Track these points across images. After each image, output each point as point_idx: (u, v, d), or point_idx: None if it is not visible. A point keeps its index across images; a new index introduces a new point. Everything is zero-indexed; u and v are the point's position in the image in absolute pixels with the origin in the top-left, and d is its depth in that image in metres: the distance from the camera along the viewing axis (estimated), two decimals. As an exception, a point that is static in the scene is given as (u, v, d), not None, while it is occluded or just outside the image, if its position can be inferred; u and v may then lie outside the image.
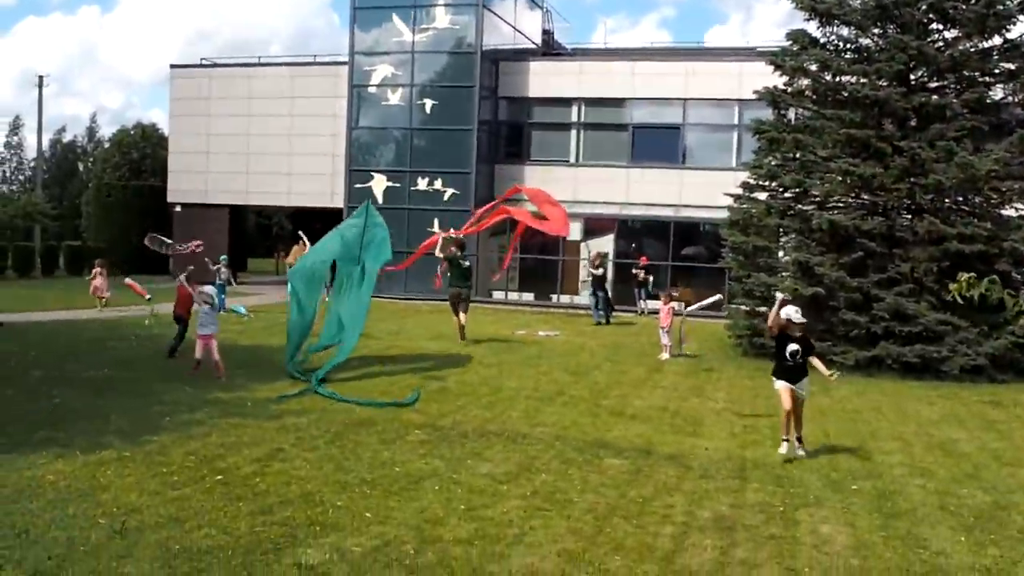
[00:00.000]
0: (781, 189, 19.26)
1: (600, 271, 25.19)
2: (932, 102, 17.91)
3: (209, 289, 14.54)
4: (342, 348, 15.05)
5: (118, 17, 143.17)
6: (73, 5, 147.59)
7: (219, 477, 8.51)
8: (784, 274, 18.75)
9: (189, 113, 37.01)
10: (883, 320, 16.95)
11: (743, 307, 19.59)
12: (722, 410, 12.94)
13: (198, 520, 7.29)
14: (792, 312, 10.46)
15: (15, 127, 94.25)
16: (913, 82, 18.49)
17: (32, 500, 7.69)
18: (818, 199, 18.87)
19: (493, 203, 23.52)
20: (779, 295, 10.92)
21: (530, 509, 7.89)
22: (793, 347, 10.34)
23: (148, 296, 18.35)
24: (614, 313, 25.63)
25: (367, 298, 15.65)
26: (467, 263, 20.92)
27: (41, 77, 49.66)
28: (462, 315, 19.90)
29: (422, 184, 30.84)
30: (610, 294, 26.35)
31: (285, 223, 56.40)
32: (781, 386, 10.35)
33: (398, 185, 31.08)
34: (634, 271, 28.33)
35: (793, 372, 10.39)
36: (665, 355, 18.17)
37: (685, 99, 30.73)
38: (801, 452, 10.20)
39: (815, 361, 10.55)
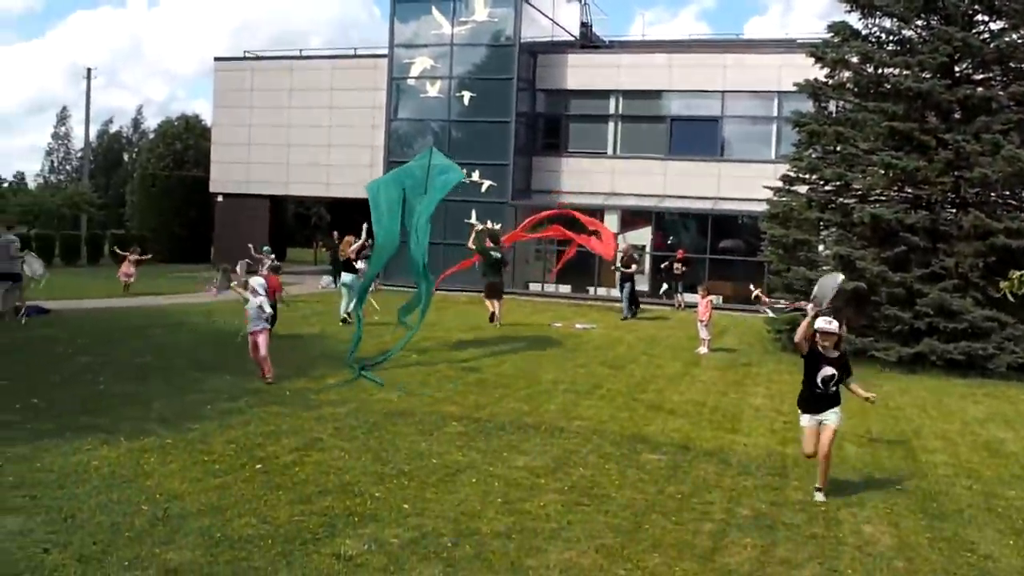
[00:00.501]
0: (822, 182, 19.07)
1: (632, 268, 24.88)
2: (977, 94, 17.64)
3: (257, 281, 13.79)
4: (399, 341, 15.78)
5: (164, 10, 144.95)
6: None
7: (259, 466, 8.58)
8: (825, 268, 18.56)
9: (232, 105, 37.42)
10: (927, 316, 16.74)
11: (783, 301, 19.46)
12: (761, 406, 12.86)
13: (239, 508, 7.36)
14: (823, 323, 8.59)
15: (63, 118, 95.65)
16: (957, 74, 18.23)
17: (78, 485, 7.79)
18: (860, 192, 18.66)
19: (541, 216, 23.82)
20: (810, 307, 9.25)
21: (568, 503, 7.89)
22: (828, 372, 8.48)
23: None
24: (640, 308, 25.33)
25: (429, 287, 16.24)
26: (498, 255, 21.54)
27: (89, 70, 50.46)
28: (497, 303, 21.04)
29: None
30: (636, 288, 25.64)
31: (324, 214, 56.78)
32: (807, 423, 8.62)
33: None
34: (663, 265, 28.13)
35: (822, 401, 8.57)
36: (703, 349, 18.08)
37: (724, 91, 30.55)
38: (820, 497, 8.36)
39: (853, 386, 8.74)
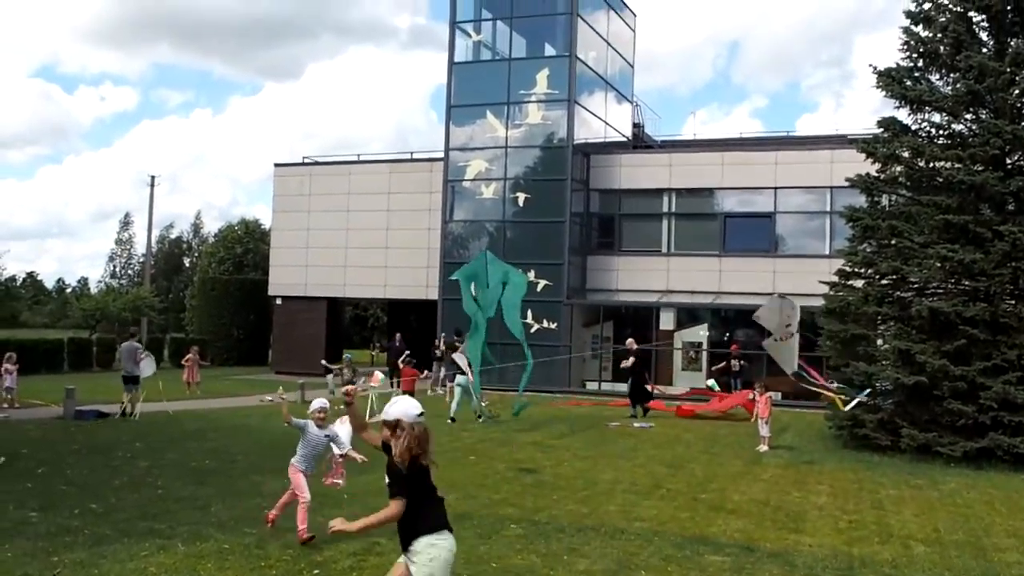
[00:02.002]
0: (878, 276, 18.93)
1: (631, 361, 24.31)
2: (1031, 186, 17.53)
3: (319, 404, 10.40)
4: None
5: (228, 119, 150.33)
6: (187, 108, 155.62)
7: (316, 571, 8.56)
8: (884, 362, 18.32)
9: (291, 209, 38.23)
10: (991, 410, 16.38)
11: (843, 396, 19.19)
12: (825, 504, 12.58)
13: (296, 615, 7.32)
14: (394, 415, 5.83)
15: (126, 224, 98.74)
16: (1009, 166, 18.11)
17: (136, 592, 7.82)
18: (917, 285, 18.49)
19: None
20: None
21: (628, 607, 7.74)
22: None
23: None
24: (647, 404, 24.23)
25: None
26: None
27: (153, 177, 52.08)
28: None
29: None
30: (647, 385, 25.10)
31: (381, 315, 57.34)
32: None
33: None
34: (714, 368, 27.94)
35: (401, 527, 5.81)
36: (764, 447, 17.81)
37: (776, 187, 30.66)
38: None
39: (383, 514, 5.66)
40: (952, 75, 18.76)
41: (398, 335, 31.88)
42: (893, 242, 18.65)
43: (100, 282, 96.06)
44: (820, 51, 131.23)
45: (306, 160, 40.47)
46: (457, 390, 21.89)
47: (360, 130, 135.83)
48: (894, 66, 19.09)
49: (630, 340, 25.88)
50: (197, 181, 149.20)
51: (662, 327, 30.77)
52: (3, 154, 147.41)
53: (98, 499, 11.46)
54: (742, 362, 27.55)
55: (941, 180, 18.41)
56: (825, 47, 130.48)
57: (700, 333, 30.81)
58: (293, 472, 10.06)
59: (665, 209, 32.43)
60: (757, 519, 11.53)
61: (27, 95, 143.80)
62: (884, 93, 18.97)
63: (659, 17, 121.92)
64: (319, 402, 10.33)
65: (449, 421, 20.66)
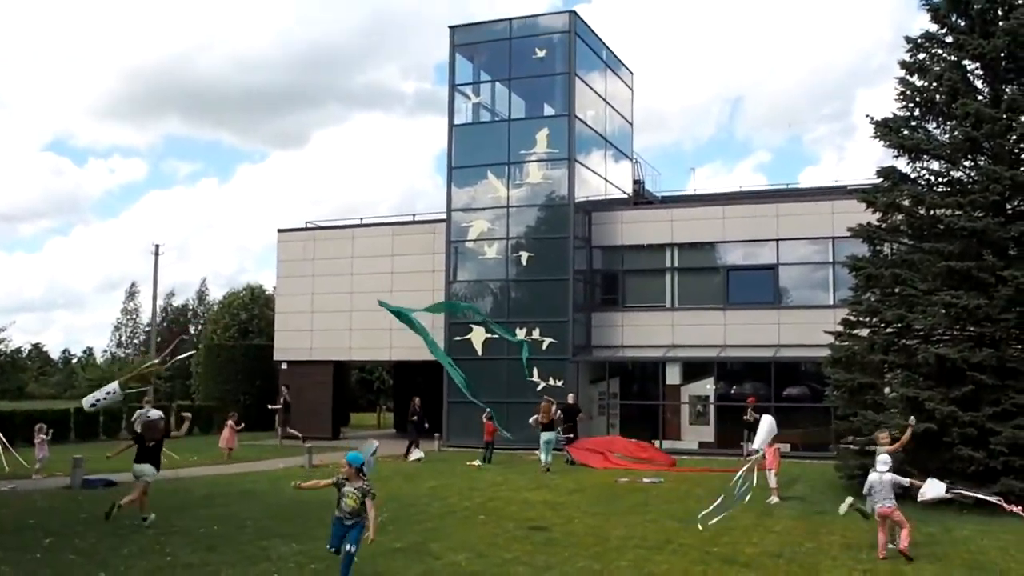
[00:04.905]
0: (883, 324, 19.00)
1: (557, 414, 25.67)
2: (1032, 230, 17.63)
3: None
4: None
5: (235, 187, 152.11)
6: (195, 178, 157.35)
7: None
8: (892, 411, 18.28)
9: (295, 274, 38.31)
10: (1002, 455, 16.32)
11: (852, 446, 19.12)
12: (839, 555, 12.49)
13: (309, 678, 7.27)
14: None
15: (132, 293, 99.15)
16: (1010, 211, 18.27)
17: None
18: (922, 333, 18.51)
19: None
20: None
21: (643, 662, 7.68)
22: None
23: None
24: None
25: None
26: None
27: (157, 246, 52.39)
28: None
29: (520, 334, 31.07)
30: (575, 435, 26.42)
31: (386, 377, 57.23)
32: None
33: (496, 336, 31.24)
34: (744, 417, 27.84)
35: None
36: (774, 499, 17.71)
37: (778, 239, 30.78)
38: None
39: None
40: (949, 123, 19.00)
41: (416, 400, 30.72)
42: (897, 290, 18.71)
43: (106, 351, 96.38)
44: (822, 105, 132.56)
45: (309, 225, 40.67)
46: (544, 445, 24.02)
47: (367, 195, 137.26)
48: (891, 116, 19.31)
49: (570, 395, 27.61)
50: (204, 249, 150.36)
51: (668, 382, 30.75)
52: (14, 227, 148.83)
53: (107, 568, 11.40)
54: (756, 415, 27.37)
55: (942, 227, 18.53)
56: (827, 101, 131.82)
57: (707, 387, 30.73)
58: None
59: (668, 264, 32.51)
60: (771, 571, 11.45)
61: (38, 169, 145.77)
62: (882, 143, 19.20)
63: (662, 76, 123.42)
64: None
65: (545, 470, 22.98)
